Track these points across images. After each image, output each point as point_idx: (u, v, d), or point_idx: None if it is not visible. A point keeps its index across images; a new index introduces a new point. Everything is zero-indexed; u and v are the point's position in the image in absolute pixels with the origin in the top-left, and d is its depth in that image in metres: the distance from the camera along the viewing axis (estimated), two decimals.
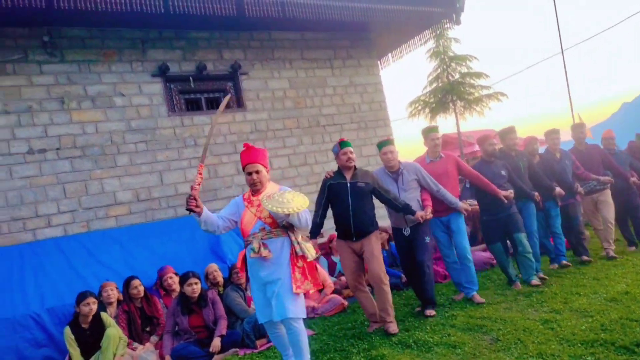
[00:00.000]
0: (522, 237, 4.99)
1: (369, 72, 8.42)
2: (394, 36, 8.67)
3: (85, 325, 4.15)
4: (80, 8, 5.34)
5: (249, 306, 4.68)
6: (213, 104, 7.32)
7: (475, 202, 5.41)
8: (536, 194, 5.25)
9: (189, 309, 4.43)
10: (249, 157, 3.40)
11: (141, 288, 4.70)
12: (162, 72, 6.67)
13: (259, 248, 3.16)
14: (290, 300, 3.18)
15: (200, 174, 3.27)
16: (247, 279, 4.50)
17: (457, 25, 7.98)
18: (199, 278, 4.49)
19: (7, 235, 5.60)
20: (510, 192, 4.92)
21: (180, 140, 6.76)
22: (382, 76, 8.64)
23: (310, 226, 3.48)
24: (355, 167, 4.26)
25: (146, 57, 6.66)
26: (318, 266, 5.20)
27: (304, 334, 3.27)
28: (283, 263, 3.24)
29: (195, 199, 3.13)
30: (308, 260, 3.31)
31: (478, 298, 4.66)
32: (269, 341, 4.38)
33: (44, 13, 5.54)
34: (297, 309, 3.21)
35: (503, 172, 5.06)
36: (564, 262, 5.51)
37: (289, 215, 3.10)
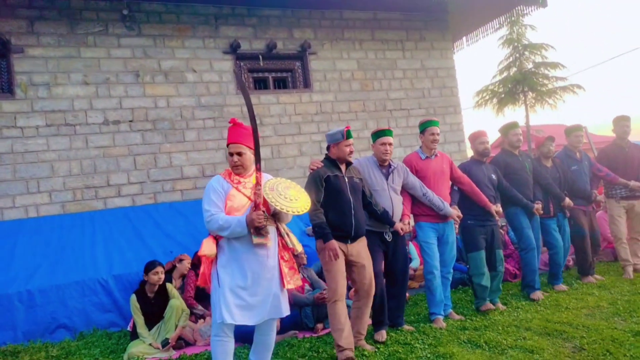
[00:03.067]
0: (502, 254, 4.56)
1: (442, 55, 8.01)
2: (472, 18, 8.19)
3: (150, 295, 4.21)
4: None
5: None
6: (280, 84, 7.24)
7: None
8: (537, 205, 4.72)
9: None
10: (233, 136, 2.97)
11: None
12: (233, 49, 6.66)
13: (267, 233, 2.82)
14: (283, 298, 2.93)
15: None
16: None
17: (543, 8, 7.37)
18: None
19: (81, 202, 5.83)
20: (499, 207, 4.45)
21: (246, 118, 6.67)
22: (455, 60, 8.20)
23: (291, 219, 3.08)
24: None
25: (218, 33, 6.67)
26: None
27: None
28: (275, 255, 2.94)
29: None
30: (296, 254, 3.07)
31: (440, 323, 4.05)
32: (326, 326, 4.28)
33: None
34: (287, 307, 2.98)
35: (493, 176, 4.55)
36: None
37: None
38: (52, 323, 4.42)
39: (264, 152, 6.76)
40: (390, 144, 3.92)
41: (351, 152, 3.59)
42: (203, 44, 6.59)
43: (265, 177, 3.00)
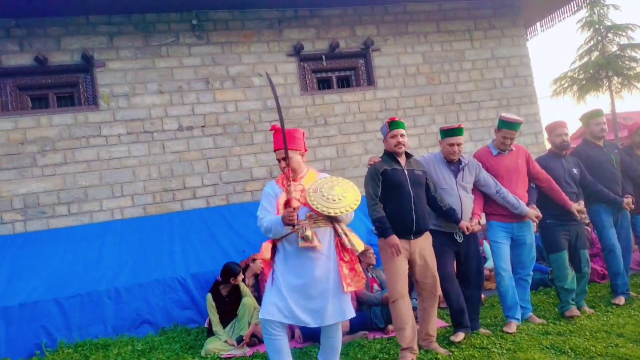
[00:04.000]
0: (587, 254, 4.22)
1: (513, 43, 7.59)
2: (546, 1, 7.67)
3: (224, 293, 4.38)
4: None
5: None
6: (344, 83, 7.23)
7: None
8: (627, 199, 4.26)
9: None
10: (278, 143, 3.02)
11: None
12: (296, 51, 6.74)
13: (313, 236, 2.79)
14: (345, 301, 2.91)
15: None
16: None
17: None
18: None
19: (160, 204, 6.18)
20: (581, 205, 4.08)
21: (311, 119, 6.80)
22: (528, 48, 7.74)
23: (352, 219, 3.04)
24: (406, 153, 3.55)
25: (282, 37, 6.78)
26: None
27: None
28: (331, 257, 2.91)
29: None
30: (356, 254, 2.98)
31: (511, 328, 3.79)
32: None
33: None
34: (351, 309, 2.95)
35: (574, 171, 4.16)
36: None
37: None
38: (137, 319, 4.72)
39: (329, 151, 6.80)
40: (459, 144, 3.72)
41: (398, 144, 3.44)
42: (268, 48, 6.73)
43: (321, 176, 3.06)
